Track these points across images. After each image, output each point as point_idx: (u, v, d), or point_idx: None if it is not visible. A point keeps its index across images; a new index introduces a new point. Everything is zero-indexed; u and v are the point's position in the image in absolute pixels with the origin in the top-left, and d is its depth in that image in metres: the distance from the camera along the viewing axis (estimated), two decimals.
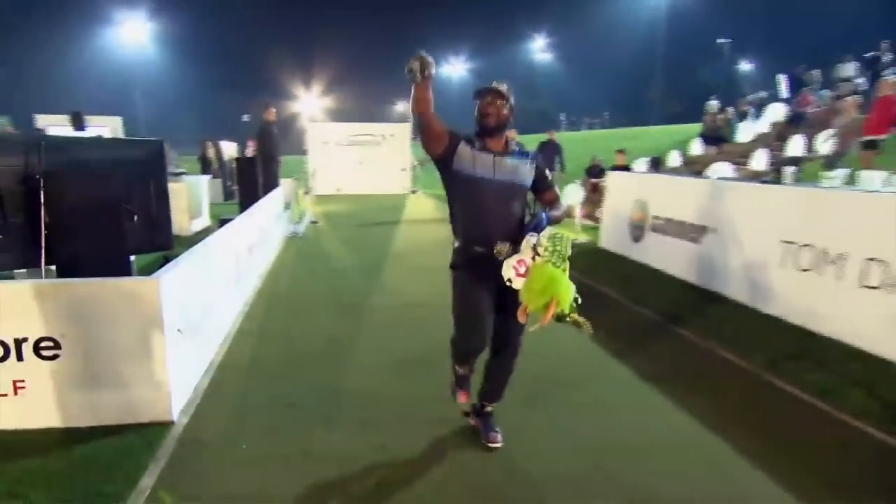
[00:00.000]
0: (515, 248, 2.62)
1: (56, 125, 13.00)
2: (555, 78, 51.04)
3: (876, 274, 4.09)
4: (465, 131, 2.80)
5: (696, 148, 13.50)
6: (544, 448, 3.00)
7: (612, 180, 8.54)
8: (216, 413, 3.35)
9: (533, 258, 2.50)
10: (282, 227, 9.07)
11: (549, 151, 11.73)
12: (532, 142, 14.69)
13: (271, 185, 8.88)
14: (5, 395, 2.99)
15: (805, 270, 4.73)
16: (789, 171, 10.02)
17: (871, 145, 7.90)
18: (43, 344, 2.97)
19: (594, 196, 10.26)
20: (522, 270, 2.51)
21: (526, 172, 2.79)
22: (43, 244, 3.28)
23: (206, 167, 13.94)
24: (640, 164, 12.30)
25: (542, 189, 2.89)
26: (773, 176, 9.78)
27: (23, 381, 2.99)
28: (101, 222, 3.45)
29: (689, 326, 4.87)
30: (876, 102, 8.47)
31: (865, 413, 3.25)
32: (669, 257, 6.71)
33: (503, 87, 2.70)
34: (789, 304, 4.86)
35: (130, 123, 19.07)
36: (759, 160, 11.09)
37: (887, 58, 13.19)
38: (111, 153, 4.06)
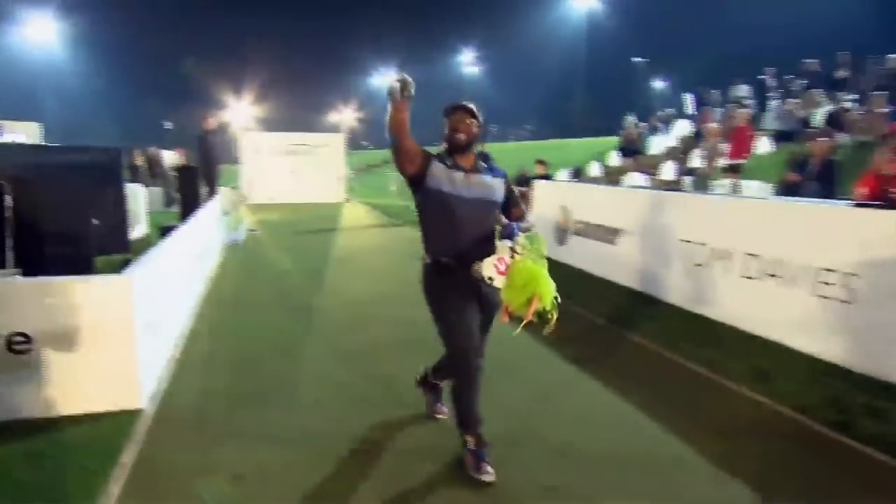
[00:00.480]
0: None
1: None
2: (483, 91, 52.47)
3: (754, 266, 4.88)
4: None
5: (614, 159, 14.58)
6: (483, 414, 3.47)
7: (538, 189, 9.23)
8: (181, 400, 3.60)
9: (512, 256, 2.55)
10: (221, 235, 9.17)
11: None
12: None
13: (213, 193, 8.98)
14: None
15: (697, 265, 5.50)
16: (688, 180, 11.13)
17: (732, 168, 9.04)
18: (15, 339, 3.15)
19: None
20: (503, 268, 2.55)
21: (497, 189, 2.84)
22: (10, 246, 3.43)
23: (134, 175, 13.63)
24: (564, 174, 13.19)
25: (511, 205, 2.90)
26: (675, 185, 10.84)
27: None
28: (66, 226, 3.64)
29: (605, 317, 5.52)
30: (733, 132, 9.74)
31: (738, 377, 3.96)
32: (590, 258, 7.41)
33: (472, 105, 2.76)
34: (685, 295, 5.63)
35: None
36: (668, 171, 12.20)
37: (772, 83, 14.78)
38: (71, 160, 4.22)
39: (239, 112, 31.68)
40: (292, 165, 17.26)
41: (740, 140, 9.24)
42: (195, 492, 2.63)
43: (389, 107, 2.62)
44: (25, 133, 15.33)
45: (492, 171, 2.87)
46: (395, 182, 19.91)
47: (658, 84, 46.97)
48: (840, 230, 4.28)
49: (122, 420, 3.24)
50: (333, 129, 27.21)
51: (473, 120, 2.75)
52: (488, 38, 50.80)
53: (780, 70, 15.50)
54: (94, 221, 3.98)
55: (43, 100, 37.15)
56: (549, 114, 46.92)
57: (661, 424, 3.33)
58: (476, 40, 51.64)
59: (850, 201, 4.86)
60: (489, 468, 2.68)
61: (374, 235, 11.16)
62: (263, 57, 37.41)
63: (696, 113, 17.08)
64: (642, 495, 2.67)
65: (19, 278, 3.28)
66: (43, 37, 36.44)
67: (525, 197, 11.08)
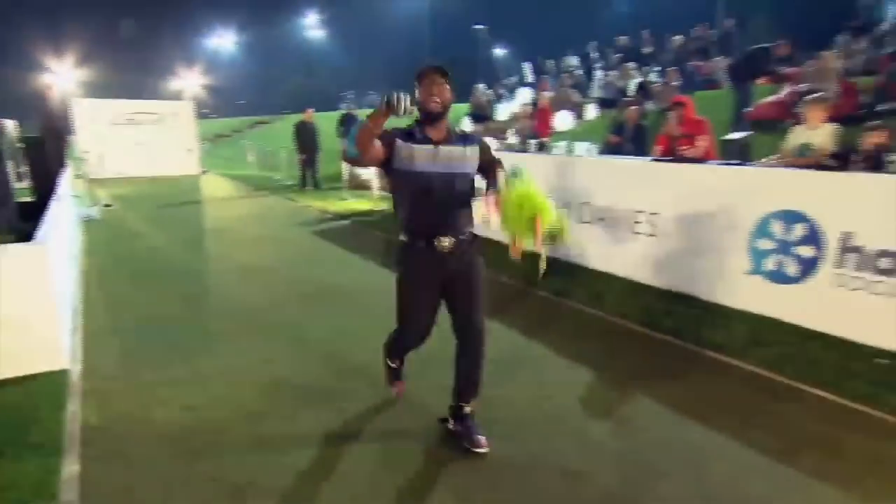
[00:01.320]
0: (458, 242, 2.62)
1: None
2: (332, 56, 51.26)
3: (587, 213, 6.02)
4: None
5: (467, 125, 15.65)
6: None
7: None
8: (102, 359, 3.81)
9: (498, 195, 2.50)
10: (76, 212, 8.66)
11: (308, 133, 12.78)
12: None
13: (61, 166, 8.38)
14: None
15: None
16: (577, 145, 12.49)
17: (541, 146, 10.45)
18: None
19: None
20: (494, 203, 2.50)
21: (470, 158, 2.65)
22: None
23: None
24: None
25: (489, 172, 2.70)
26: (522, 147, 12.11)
27: None
28: None
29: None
30: (538, 112, 11.25)
31: (582, 300, 5.03)
32: None
33: (445, 68, 2.57)
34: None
35: None
36: (512, 135, 13.48)
37: (595, 55, 16.73)
38: None
39: (61, 76, 28.05)
40: (138, 136, 16.12)
41: (543, 119, 10.66)
42: (151, 423, 3.01)
43: (373, 114, 2.34)
44: None
45: (465, 139, 2.69)
46: (251, 152, 19.42)
47: (499, 52, 49.21)
48: (645, 180, 5.50)
49: (54, 379, 3.44)
50: (176, 96, 25.29)
51: (448, 84, 2.54)
52: (332, 1, 49.48)
53: (600, 43, 17.58)
54: None
55: None
56: (402, 80, 47.19)
57: (525, 335, 4.26)
58: (320, 1, 50.10)
59: (650, 158, 6.15)
60: (400, 387, 3.18)
61: (243, 205, 11.13)
62: (84, 14, 33.15)
63: (534, 81, 18.74)
64: (526, 382, 3.51)
65: None
66: None
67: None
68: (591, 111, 13.64)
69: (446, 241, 2.59)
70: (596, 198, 5.92)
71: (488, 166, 2.71)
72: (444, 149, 2.57)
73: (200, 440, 2.86)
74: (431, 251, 2.60)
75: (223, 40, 50.24)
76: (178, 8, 44.96)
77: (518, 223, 2.42)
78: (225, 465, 2.65)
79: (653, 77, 13.32)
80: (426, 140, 2.56)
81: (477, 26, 47.79)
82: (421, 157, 2.54)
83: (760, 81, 9.56)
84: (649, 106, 11.72)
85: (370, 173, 11.33)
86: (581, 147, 6.64)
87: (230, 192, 13.31)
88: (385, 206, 10.24)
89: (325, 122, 14.57)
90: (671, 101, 6.38)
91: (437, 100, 2.51)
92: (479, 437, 2.71)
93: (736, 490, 2.47)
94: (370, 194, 10.88)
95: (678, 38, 15.34)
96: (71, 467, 2.61)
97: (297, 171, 13.42)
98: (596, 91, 15.15)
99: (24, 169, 8.20)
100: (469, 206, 2.68)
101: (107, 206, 10.21)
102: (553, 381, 3.55)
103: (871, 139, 4.53)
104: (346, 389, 3.39)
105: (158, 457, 2.71)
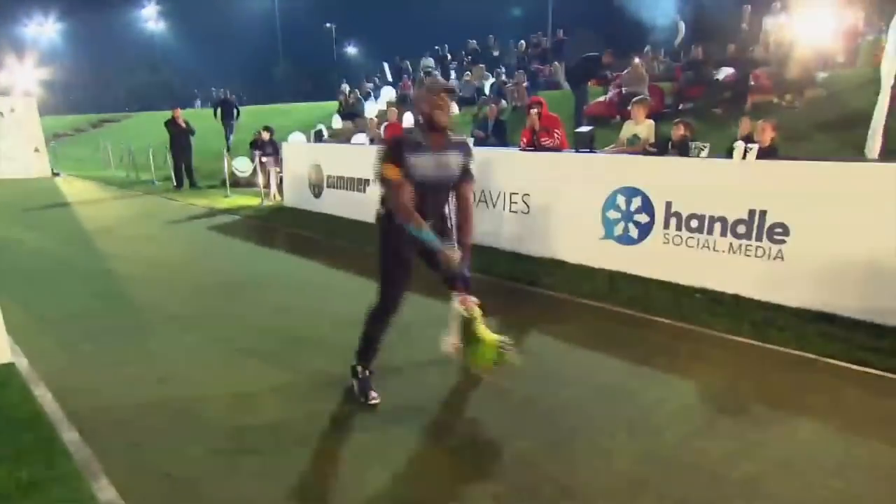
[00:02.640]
0: (435, 223, 2.97)
1: None
2: (178, 53, 47.16)
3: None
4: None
5: (337, 122, 15.78)
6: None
7: (287, 150, 9.93)
8: (43, 351, 3.72)
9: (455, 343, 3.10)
10: None
11: (180, 131, 12.26)
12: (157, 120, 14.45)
13: None
14: None
15: None
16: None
17: None
18: None
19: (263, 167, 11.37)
20: (452, 348, 3.10)
21: (455, 166, 2.93)
22: None
23: None
24: (296, 137, 13.82)
25: (462, 181, 2.99)
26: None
27: None
28: None
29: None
30: (388, 126, 11.97)
31: (512, 277, 5.71)
32: (344, 205, 8.60)
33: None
34: None
35: None
36: (382, 131, 13.93)
37: (448, 56, 17.76)
38: None
39: None
40: None
41: (394, 131, 11.40)
42: (148, 407, 3.12)
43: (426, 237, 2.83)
44: None
45: (458, 146, 2.97)
46: (111, 152, 17.65)
47: (350, 50, 48.61)
48: (516, 167, 6.34)
49: (5, 370, 3.34)
50: (4, 91, 22.11)
51: (453, 102, 2.90)
52: None
53: (450, 46, 18.65)
54: None
55: None
56: (254, 77, 44.89)
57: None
58: None
59: (517, 148, 7.03)
60: (374, 393, 3.03)
61: (119, 206, 10.39)
62: None
63: (394, 80, 19.28)
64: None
65: None
66: None
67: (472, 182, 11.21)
68: (453, 108, 14.51)
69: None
70: (477, 183, 6.64)
71: (462, 180, 3.00)
72: (441, 157, 2.84)
73: (176, 406, 3.05)
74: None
75: (44, 28, 43.90)
76: None
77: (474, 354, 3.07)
78: (213, 417, 2.89)
79: (504, 78, 14.48)
80: (428, 148, 2.80)
81: (327, 24, 46.71)
82: (422, 164, 2.78)
83: (591, 83, 11.02)
84: (503, 104, 12.87)
85: (250, 171, 11.16)
86: None
87: (97, 194, 12.23)
88: (270, 202, 10.22)
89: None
90: (530, 101, 7.31)
91: (445, 118, 2.79)
92: (371, 391, 3.06)
93: (598, 381, 3.29)
94: (252, 191, 10.73)
95: (522, 44, 16.81)
96: (69, 435, 2.70)
97: (169, 170, 12.68)
98: (456, 90, 16.09)
99: None
100: (448, 196, 3.04)
101: None
102: None
103: (679, 132, 5.74)
104: (295, 353, 3.73)
105: (150, 416, 2.89)
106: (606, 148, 6.50)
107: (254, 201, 10.28)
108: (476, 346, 3.03)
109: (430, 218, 2.93)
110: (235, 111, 15.38)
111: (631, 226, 5.31)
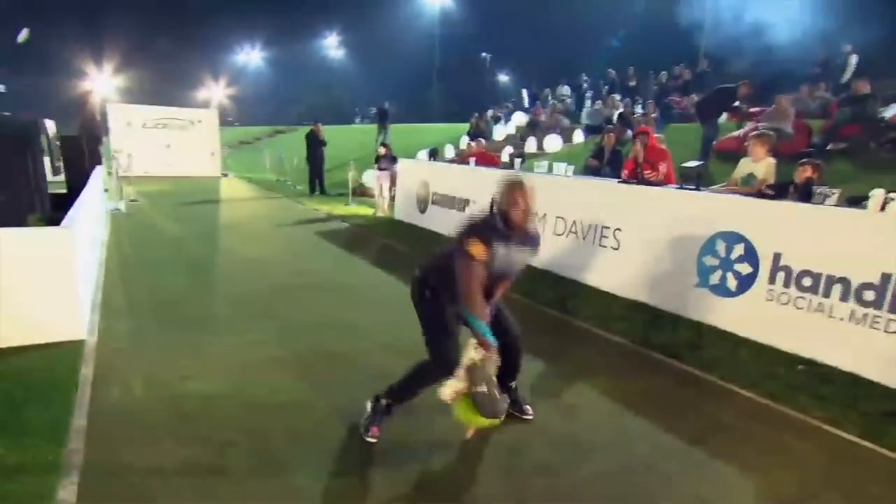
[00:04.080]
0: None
1: None
2: (348, 75, 51.71)
3: (560, 226, 6.21)
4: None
5: (464, 143, 15.89)
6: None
7: (402, 166, 10.11)
8: (115, 331, 4.01)
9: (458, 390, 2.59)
10: (104, 205, 8.88)
11: (316, 143, 13.04)
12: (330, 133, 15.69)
13: (95, 163, 8.64)
14: None
15: None
16: (557, 165, 12.71)
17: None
18: None
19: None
20: (452, 394, 2.59)
21: (524, 262, 2.74)
22: None
23: None
24: (423, 154, 14.15)
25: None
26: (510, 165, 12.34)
27: None
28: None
29: None
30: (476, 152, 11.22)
31: (545, 301, 5.21)
32: (445, 222, 8.47)
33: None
34: None
35: None
36: (506, 154, 13.70)
37: (585, 85, 17.02)
38: None
39: (100, 82, 28.42)
40: (166, 139, 16.39)
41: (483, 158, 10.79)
42: (159, 399, 3.18)
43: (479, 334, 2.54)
44: None
45: (532, 241, 2.75)
46: (269, 158, 19.63)
47: (503, 77, 49.72)
48: (611, 199, 5.70)
49: (72, 347, 3.62)
50: (204, 104, 25.61)
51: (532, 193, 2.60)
52: (351, 24, 49.88)
53: (591, 75, 17.89)
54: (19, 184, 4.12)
55: None
56: (410, 98, 47.55)
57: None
58: (339, 25, 50.61)
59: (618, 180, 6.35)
60: (377, 431, 2.74)
61: (255, 206, 11.34)
62: (122, 26, 33.43)
63: (530, 106, 19.03)
64: None
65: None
66: None
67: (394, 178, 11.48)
68: (579, 136, 13.85)
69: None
70: (569, 213, 6.11)
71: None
72: (516, 250, 2.62)
73: (190, 404, 3.03)
74: None
75: (251, 56, 50.92)
76: (210, 25, 45.33)
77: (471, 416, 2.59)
78: (211, 426, 2.82)
79: (639, 109, 13.55)
80: (509, 239, 2.59)
81: (483, 54, 48.30)
82: (499, 258, 2.56)
83: (728, 118, 9.78)
84: (629, 134, 11.96)
85: (373, 183, 11.53)
86: (560, 167, 6.84)
87: (246, 194, 13.52)
88: (383, 214, 10.45)
89: (339, 135, 14.80)
90: (637, 130, 6.58)
91: (520, 216, 2.56)
92: (527, 406, 3.05)
93: (631, 456, 2.65)
94: (372, 201, 11.07)
95: (663, 74, 15.62)
96: (79, 421, 2.78)
97: (306, 177, 13.64)
98: (585, 118, 15.40)
99: (60, 164, 8.42)
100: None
101: (132, 201, 10.41)
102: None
103: (804, 173, 4.72)
104: (323, 369, 3.58)
105: (156, 414, 2.89)
106: (715, 186, 5.59)
107: (369, 211, 10.59)
108: (467, 400, 2.58)
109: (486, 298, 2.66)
110: (388, 120, 17.64)
111: (730, 275, 4.45)
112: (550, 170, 7.07)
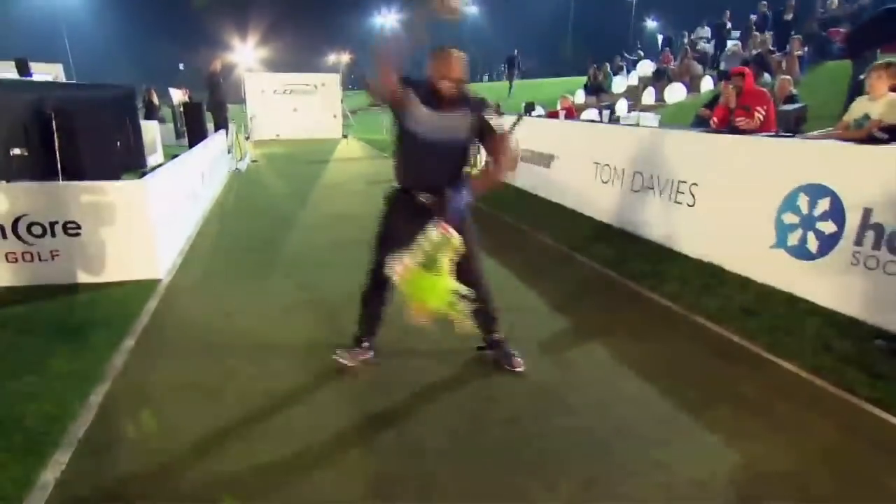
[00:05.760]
0: (439, 200, 2.61)
1: (1, 71, 13.06)
2: (479, 31, 51.39)
3: (638, 181, 5.82)
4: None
5: (580, 98, 15.16)
6: None
7: (493, 123, 10.01)
8: (191, 272, 4.66)
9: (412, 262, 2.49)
10: (226, 164, 10.08)
11: None
12: None
13: (221, 128, 9.83)
14: (45, 259, 4.21)
15: (605, 182, 6.44)
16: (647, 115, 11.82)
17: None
18: (69, 225, 4.18)
19: None
20: (401, 271, 2.50)
21: (463, 127, 2.62)
22: (58, 160, 4.39)
23: (150, 112, 14.37)
24: (539, 111, 13.75)
25: (486, 137, 2.68)
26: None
27: (57, 250, 4.21)
28: (97, 147, 4.59)
29: (535, 226, 6.51)
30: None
31: (599, 259, 4.99)
32: (532, 180, 8.33)
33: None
34: (591, 204, 6.61)
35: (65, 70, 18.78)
36: (622, 107, 12.86)
37: (728, 25, 15.08)
38: (98, 95, 5.10)
39: (244, 54, 31.67)
40: (294, 103, 17.87)
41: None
42: (195, 322, 3.71)
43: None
44: (51, 73, 15.89)
45: (469, 105, 2.63)
46: (385, 120, 20.47)
47: (649, 24, 45.86)
48: (688, 151, 5.19)
49: (147, 284, 4.30)
50: (332, 69, 27.27)
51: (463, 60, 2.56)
52: None
53: (741, 12, 15.71)
54: (118, 144, 4.91)
55: (62, 41, 36.87)
56: (543, 53, 45.91)
57: (526, 285, 4.39)
58: None
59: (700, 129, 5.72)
60: (349, 356, 3.00)
61: (362, 166, 12.02)
62: (266, 3, 36.92)
63: (661, 53, 17.44)
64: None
65: (71, 182, 4.18)
66: None
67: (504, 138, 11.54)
68: (708, 83, 12.50)
69: (423, 197, 2.67)
70: (644, 167, 5.70)
71: (486, 137, 2.67)
72: (446, 115, 2.58)
73: (221, 336, 3.48)
74: (413, 202, 2.69)
75: (386, 18, 52.79)
76: None
77: (409, 299, 2.49)
78: (231, 357, 3.21)
79: (771, 46, 11.82)
80: (434, 104, 2.56)
81: None
82: (424, 120, 2.57)
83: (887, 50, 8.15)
84: (766, 78, 10.52)
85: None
86: (647, 118, 6.33)
87: (358, 154, 14.33)
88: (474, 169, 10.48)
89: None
90: (731, 72, 5.82)
91: (445, 85, 2.53)
92: (517, 358, 3.03)
93: (631, 433, 2.52)
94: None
95: (833, 1, 13.29)
96: (129, 342, 3.36)
97: None
98: (722, 63, 13.79)
99: (183, 129, 9.69)
100: (459, 169, 2.71)
101: (253, 161, 11.65)
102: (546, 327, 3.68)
103: None
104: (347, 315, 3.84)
105: (191, 342, 3.38)
106: (816, 132, 4.80)
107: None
108: (428, 284, 2.47)
109: (428, 188, 2.65)
110: (517, 69, 20.26)
111: (811, 235, 3.90)
112: (638, 123, 6.59)
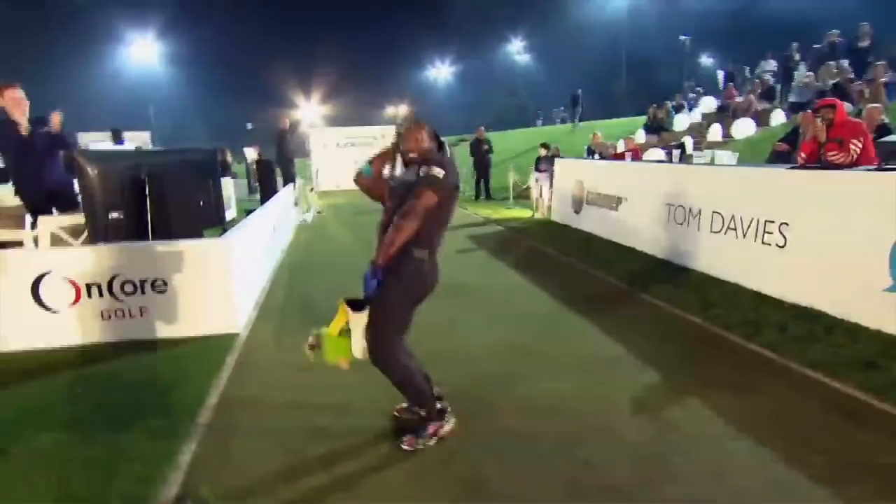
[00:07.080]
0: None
1: (97, 141, 14.33)
2: (532, 76, 52.29)
3: (717, 222, 5.54)
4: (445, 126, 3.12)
5: (640, 137, 14.91)
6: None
7: (558, 166, 9.95)
8: (265, 328, 4.73)
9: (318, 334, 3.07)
10: (294, 217, 10.46)
11: (480, 149, 13.30)
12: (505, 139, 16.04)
13: (290, 182, 10.28)
14: (134, 316, 4.40)
15: (679, 224, 6.18)
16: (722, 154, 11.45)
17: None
18: (157, 282, 4.37)
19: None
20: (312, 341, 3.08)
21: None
22: (149, 221, 4.65)
23: (224, 170, 15.24)
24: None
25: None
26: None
27: (146, 306, 4.39)
28: (183, 206, 4.83)
29: (607, 270, 6.31)
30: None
31: (688, 307, 4.70)
32: (598, 223, 8.14)
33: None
34: (664, 247, 6.34)
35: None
36: (688, 145, 12.51)
37: (797, 57, 14.56)
38: (184, 158, 5.43)
39: (308, 111, 33.49)
40: (354, 155, 18.54)
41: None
42: (276, 378, 3.72)
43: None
44: (140, 141, 17.33)
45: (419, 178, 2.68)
46: None
47: (704, 61, 45.27)
48: (776, 188, 4.91)
49: (226, 338, 4.39)
50: (390, 121, 28.30)
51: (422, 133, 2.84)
52: (536, 27, 50.50)
53: (804, 43, 15.17)
54: (201, 203, 5.16)
55: (147, 110, 40.24)
56: (595, 94, 46.01)
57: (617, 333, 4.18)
58: (525, 29, 51.64)
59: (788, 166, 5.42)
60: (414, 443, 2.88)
61: None
62: (329, 60, 39.22)
63: (724, 88, 17.02)
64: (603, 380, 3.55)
65: (158, 242, 4.42)
66: (145, 56, 39.59)
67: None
68: (779, 117, 12.01)
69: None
70: (727, 208, 5.42)
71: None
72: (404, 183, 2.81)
73: (299, 391, 3.47)
74: (434, 264, 2.93)
75: (440, 71, 54.84)
76: (404, 47, 50.49)
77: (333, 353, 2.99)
78: (314, 415, 3.19)
79: (851, 76, 11.27)
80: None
81: (681, 37, 44.49)
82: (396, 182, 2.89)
83: None
84: (847, 108, 9.98)
85: (533, 185, 11.56)
86: (722, 156, 6.07)
87: None
88: (540, 216, 10.41)
89: (521, 138, 14.87)
90: (818, 104, 5.52)
91: (416, 159, 2.78)
92: (408, 437, 2.86)
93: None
94: (531, 203, 11.11)
95: None
96: (212, 399, 3.40)
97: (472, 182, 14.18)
98: (792, 95, 13.26)
99: (256, 185, 10.17)
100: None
101: (319, 212, 12.04)
102: (623, 379, 3.48)
103: None
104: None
105: (271, 396, 3.38)
106: None
107: (527, 214, 10.65)
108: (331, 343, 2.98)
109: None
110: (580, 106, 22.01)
111: None
112: (712, 161, 6.34)
